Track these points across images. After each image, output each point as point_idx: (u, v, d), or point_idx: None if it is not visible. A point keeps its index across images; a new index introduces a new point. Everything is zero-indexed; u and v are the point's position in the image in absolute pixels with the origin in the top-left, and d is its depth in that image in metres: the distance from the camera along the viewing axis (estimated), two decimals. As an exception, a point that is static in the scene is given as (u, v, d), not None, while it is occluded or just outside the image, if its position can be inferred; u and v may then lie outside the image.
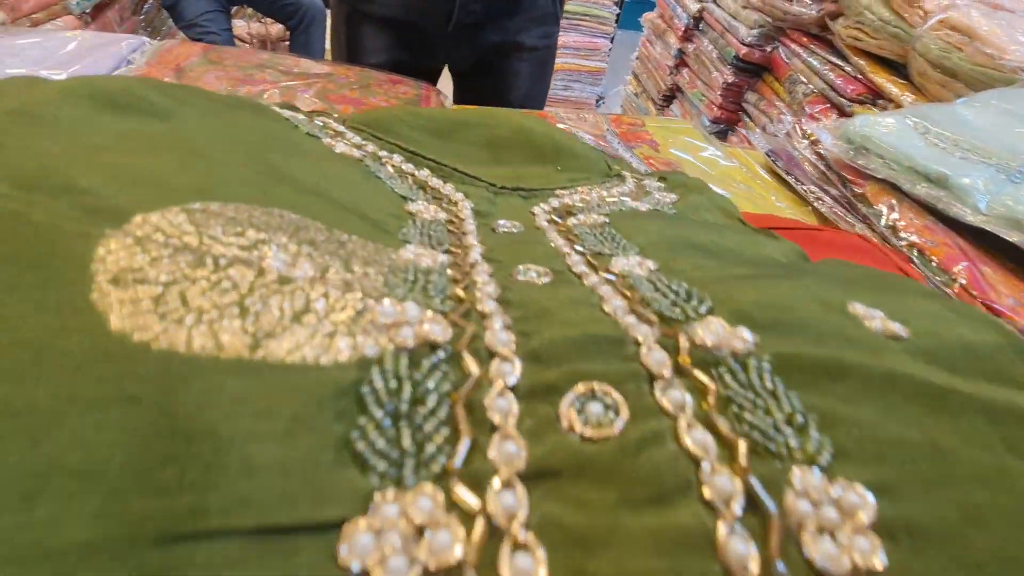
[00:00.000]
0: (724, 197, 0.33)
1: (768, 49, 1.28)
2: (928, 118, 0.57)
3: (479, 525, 0.09)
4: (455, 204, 0.23)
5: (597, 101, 3.50)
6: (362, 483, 0.09)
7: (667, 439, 0.11)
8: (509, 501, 0.10)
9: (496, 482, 0.10)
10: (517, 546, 0.09)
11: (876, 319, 0.15)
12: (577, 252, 0.19)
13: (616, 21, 3.27)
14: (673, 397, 0.12)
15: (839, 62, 1.08)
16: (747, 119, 1.35)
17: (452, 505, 0.10)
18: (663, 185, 0.36)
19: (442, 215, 0.21)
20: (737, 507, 0.10)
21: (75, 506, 0.08)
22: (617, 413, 0.11)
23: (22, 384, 0.09)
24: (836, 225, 0.55)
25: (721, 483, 0.10)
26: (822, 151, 0.60)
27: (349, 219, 0.18)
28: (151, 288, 0.11)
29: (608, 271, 0.17)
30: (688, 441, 0.11)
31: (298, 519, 0.09)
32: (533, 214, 0.24)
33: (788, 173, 0.61)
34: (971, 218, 0.46)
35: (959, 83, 0.85)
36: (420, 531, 0.09)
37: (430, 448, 0.10)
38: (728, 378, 0.12)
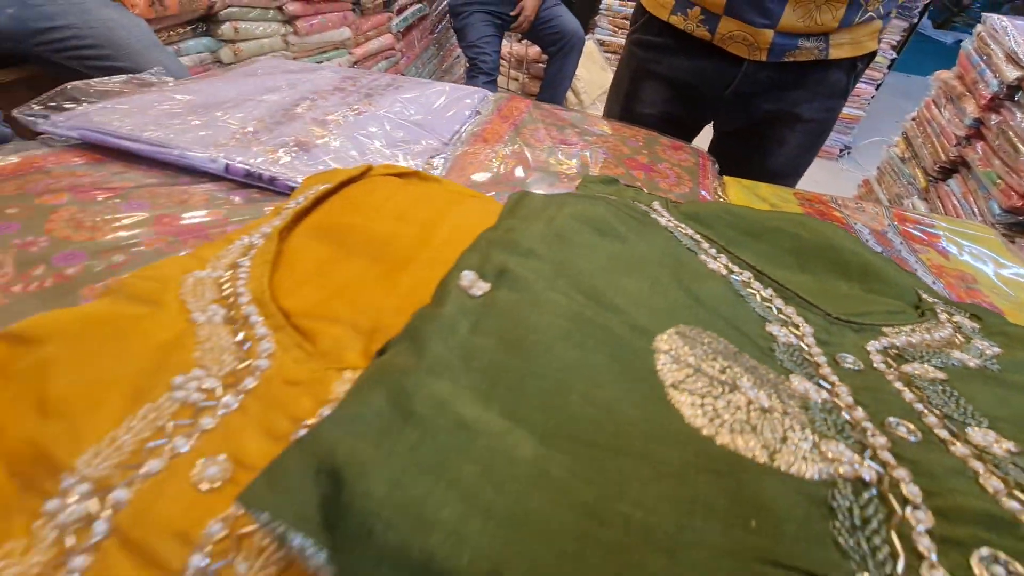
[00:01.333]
0: (1058, 358, 0.32)
1: (1115, 139, 1.04)
2: None
3: None
4: (797, 327, 0.29)
5: (841, 151, 3.16)
6: (845, 564, 0.16)
7: None
8: None
9: None
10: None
11: None
12: (931, 412, 0.23)
13: (889, 66, 2.91)
14: None
15: None
16: (1060, 217, 1.12)
17: None
18: (978, 327, 0.36)
19: (793, 339, 0.27)
20: None
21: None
22: None
23: (625, 455, 0.18)
24: None
25: None
26: None
27: (743, 340, 0.25)
28: (695, 398, 0.19)
29: (967, 442, 0.21)
30: None
31: (807, 569, 0.15)
32: (867, 351, 0.28)
33: (1125, 318, 0.53)
34: None
35: None
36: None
37: (880, 556, 0.16)
38: None
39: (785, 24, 0.73)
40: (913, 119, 1.79)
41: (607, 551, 0.15)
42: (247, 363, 0.23)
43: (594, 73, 3.14)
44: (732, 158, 0.95)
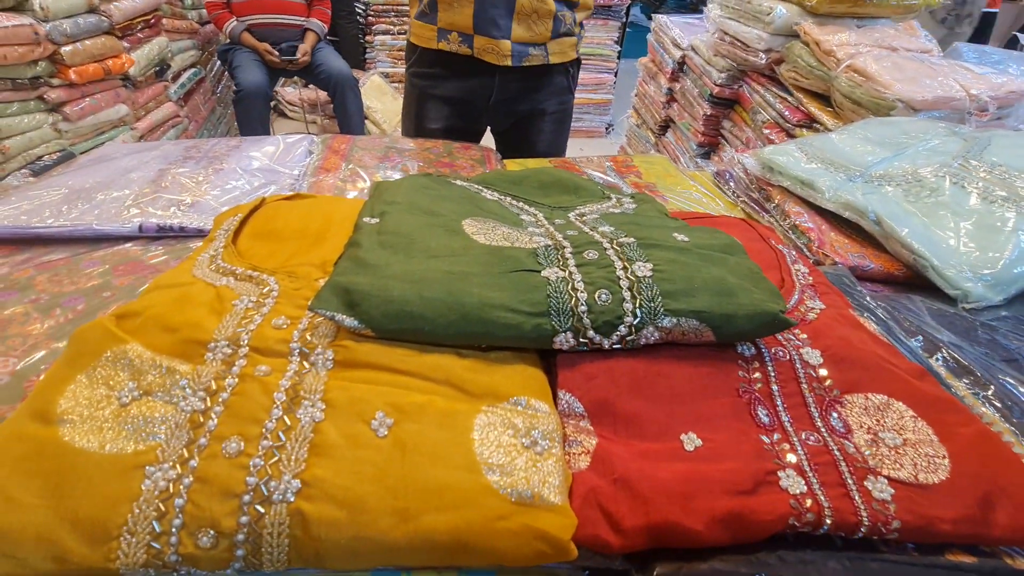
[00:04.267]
0: (663, 205, 0.66)
1: (736, 87, 1.61)
2: (809, 145, 0.89)
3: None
4: (534, 215, 0.57)
5: (607, 128, 3.87)
6: (540, 267, 0.43)
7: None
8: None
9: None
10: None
11: (681, 236, 0.48)
12: (597, 232, 0.52)
13: (618, 56, 3.66)
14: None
15: (786, 96, 1.40)
16: (724, 142, 1.68)
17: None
18: (631, 199, 0.70)
19: (531, 218, 0.56)
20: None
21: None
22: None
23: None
24: (755, 217, 0.87)
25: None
26: (748, 170, 0.93)
27: (506, 215, 0.52)
28: (479, 234, 0.45)
29: (608, 239, 0.50)
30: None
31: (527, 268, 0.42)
32: (569, 217, 0.58)
33: (724, 185, 0.94)
34: (821, 203, 0.78)
35: (864, 110, 1.16)
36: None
37: (553, 261, 0.44)
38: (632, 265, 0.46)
39: (516, 35, 1.05)
40: (636, 95, 2.37)
41: (456, 279, 0.40)
42: (266, 289, 0.43)
43: (387, 103, 3.38)
44: (510, 150, 1.27)
